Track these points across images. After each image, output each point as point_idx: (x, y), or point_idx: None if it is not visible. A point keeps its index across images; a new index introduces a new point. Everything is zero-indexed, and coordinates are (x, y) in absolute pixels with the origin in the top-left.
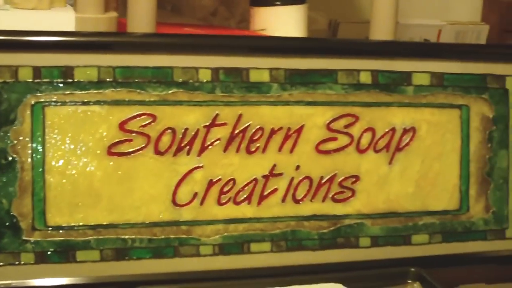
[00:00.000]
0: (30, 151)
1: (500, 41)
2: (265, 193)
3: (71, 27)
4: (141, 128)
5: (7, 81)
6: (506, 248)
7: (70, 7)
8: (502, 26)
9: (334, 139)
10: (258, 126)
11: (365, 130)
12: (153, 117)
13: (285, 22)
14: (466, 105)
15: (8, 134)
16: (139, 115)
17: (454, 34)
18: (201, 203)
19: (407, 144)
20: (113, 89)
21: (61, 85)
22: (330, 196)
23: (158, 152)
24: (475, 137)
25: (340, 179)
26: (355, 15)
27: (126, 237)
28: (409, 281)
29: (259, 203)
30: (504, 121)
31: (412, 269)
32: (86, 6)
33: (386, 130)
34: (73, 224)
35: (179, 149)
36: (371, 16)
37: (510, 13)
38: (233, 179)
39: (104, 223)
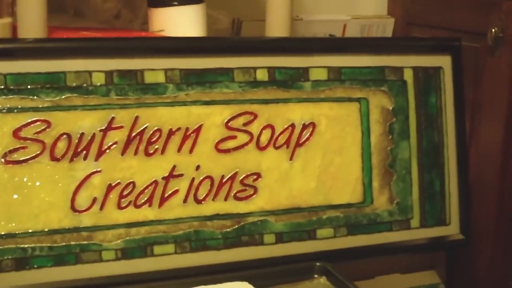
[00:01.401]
0: None
1: (405, 34)
2: (166, 194)
3: None
4: (35, 134)
5: None
6: (412, 238)
7: None
8: (407, 19)
9: (234, 137)
10: (155, 128)
11: (264, 127)
12: (48, 123)
13: (183, 22)
14: (365, 98)
15: None
16: (33, 122)
17: (360, 28)
18: (101, 208)
19: (307, 139)
20: (4, 97)
21: None
22: (232, 194)
23: (54, 159)
24: (376, 130)
25: (242, 177)
26: (258, 13)
27: (26, 246)
28: (315, 276)
29: (160, 205)
30: (404, 112)
31: (318, 264)
32: None
33: (285, 126)
34: None
35: (75, 155)
36: (266, 13)
37: (414, 6)
38: (133, 182)
39: (2, 233)
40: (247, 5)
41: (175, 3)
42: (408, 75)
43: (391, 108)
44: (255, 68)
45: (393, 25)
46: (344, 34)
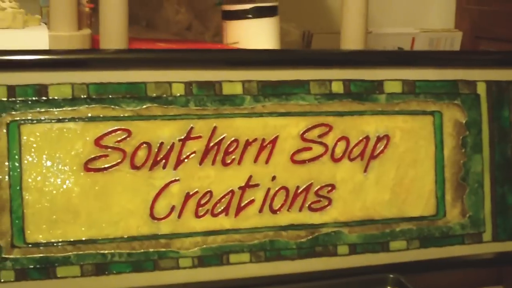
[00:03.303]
0: (7, 169)
1: (473, 47)
2: (242, 204)
3: (45, 45)
4: (116, 143)
5: None
6: (484, 252)
7: (44, 25)
8: (474, 32)
9: (309, 148)
10: (233, 138)
11: (339, 139)
12: (128, 132)
13: (257, 35)
14: (438, 111)
15: None
16: (114, 131)
17: (428, 41)
18: (179, 216)
19: (381, 152)
20: (87, 106)
21: (35, 103)
22: (307, 205)
23: (134, 167)
24: (449, 143)
25: (316, 188)
26: (328, 26)
27: (106, 252)
28: None
29: (236, 214)
30: (477, 126)
31: (391, 276)
32: (59, 24)
33: (360, 138)
34: (52, 240)
35: (155, 163)
36: (341, 26)
37: (482, 19)
38: (210, 191)
39: (83, 239)
40: (317, 18)
41: (250, 16)
42: (481, 89)
43: (464, 122)
44: (330, 81)
45: (461, 39)
46: (412, 47)
